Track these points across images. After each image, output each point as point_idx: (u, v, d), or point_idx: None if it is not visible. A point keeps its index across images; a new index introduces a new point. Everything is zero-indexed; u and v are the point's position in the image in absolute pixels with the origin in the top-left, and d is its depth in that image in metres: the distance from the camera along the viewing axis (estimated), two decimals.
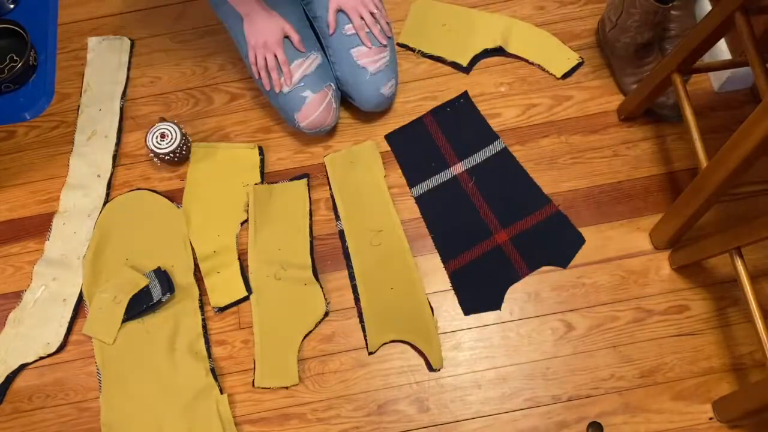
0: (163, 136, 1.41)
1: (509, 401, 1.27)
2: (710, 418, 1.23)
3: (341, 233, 1.40)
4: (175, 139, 1.42)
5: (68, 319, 1.38)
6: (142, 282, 1.37)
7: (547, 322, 1.32)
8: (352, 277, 1.36)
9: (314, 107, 1.37)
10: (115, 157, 1.53)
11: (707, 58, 1.36)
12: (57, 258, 1.44)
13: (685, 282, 1.33)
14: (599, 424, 1.24)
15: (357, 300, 1.35)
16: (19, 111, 1.61)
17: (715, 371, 1.27)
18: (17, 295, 1.42)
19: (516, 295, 1.34)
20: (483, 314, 1.34)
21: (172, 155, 1.44)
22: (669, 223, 1.29)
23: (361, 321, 1.33)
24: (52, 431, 1.32)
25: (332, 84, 1.41)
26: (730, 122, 1.44)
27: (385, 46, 1.40)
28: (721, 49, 1.43)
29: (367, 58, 1.39)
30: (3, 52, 1.66)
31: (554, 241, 1.36)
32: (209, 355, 1.33)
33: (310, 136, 1.47)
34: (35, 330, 1.38)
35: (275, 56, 1.35)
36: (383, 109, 1.48)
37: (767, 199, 1.36)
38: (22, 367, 1.36)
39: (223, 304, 1.37)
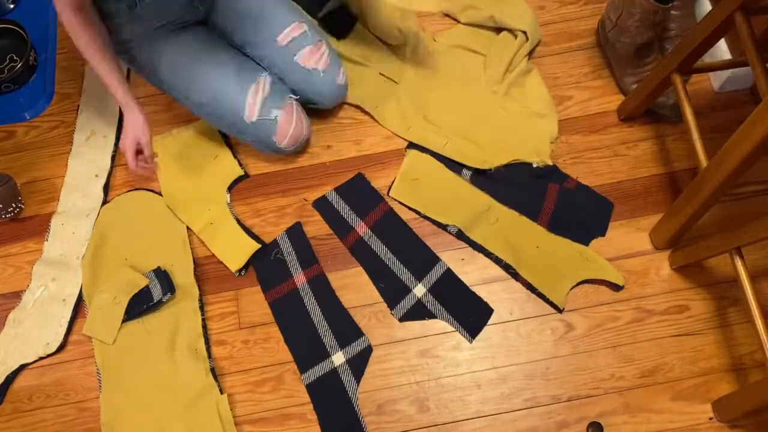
0: None
1: (509, 401, 1.27)
2: (710, 418, 1.23)
3: (459, 233, 1.38)
4: None
5: (68, 319, 1.38)
6: (142, 282, 1.37)
7: (547, 322, 1.32)
8: (498, 260, 1.36)
9: (287, 123, 1.37)
10: (113, 157, 1.53)
11: (707, 58, 1.36)
12: (56, 258, 1.44)
13: (685, 282, 1.33)
14: (599, 424, 1.24)
15: (516, 275, 1.35)
16: (19, 111, 1.61)
17: (715, 371, 1.27)
18: (17, 295, 1.42)
19: (516, 295, 1.34)
20: None
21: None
22: (669, 223, 1.29)
23: (534, 290, 1.33)
24: (52, 431, 1.32)
25: (291, 95, 1.40)
26: (730, 122, 1.44)
27: (320, 39, 1.42)
28: (721, 49, 1.43)
29: (313, 58, 1.40)
30: (3, 52, 1.66)
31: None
32: (209, 355, 1.33)
33: (288, 154, 1.46)
34: (35, 330, 1.38)
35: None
36: (343, 98, 1.49)
37: (767, 199, 1.36)
38: (22, 367, 1.36)
39: (241, 265, 1.38)
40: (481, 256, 1.38)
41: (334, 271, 1.39)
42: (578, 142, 1.46)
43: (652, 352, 1.28)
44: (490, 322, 1.33)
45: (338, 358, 1.31)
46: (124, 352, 1.34)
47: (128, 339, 1.35)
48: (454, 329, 1.33)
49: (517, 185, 1.40)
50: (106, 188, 1.50)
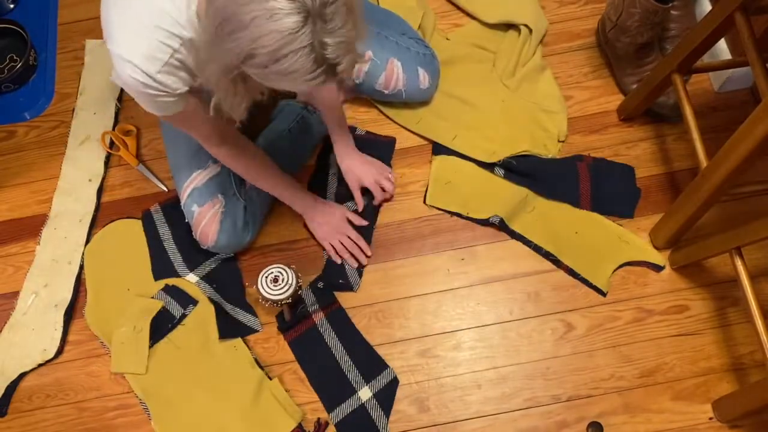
0: (275, 280, 1.26)
1: (509, 401, 1.27)
2: (710, 418, 1.23)
3: (502, 223, 1.38)
4: (290, 285, 1.26)
5: (62, 324, 1.37)
6: (156, 305, 1.34)
7: (547, 322, 1.32)
8: (538, 249, 1.36)
9: (200, 219, 1.31)
10: (107, 162, 1.52)
11: (707, 58, 1.36)
12: (48, 263, 1.43)
13: (685, 282, 1.33)
14: (599, 424, 1.24)
15: (558, 262, 1.35)
16: (19, 111, 1.61)
17: (715, 371, 1.27)
18: (17, 295, 1.42)
19: (516, 295, 1.34)
20: (483, 314, 1.34)
21: (277, 304, 1.28)
22: (669, 223, 1.29)
23: (576, 276, 1.34)
24: (52, 431, 1.32)
25: (221, 197, 1.32)
26: (730, 122, 1.44)
27: (389, 57, 1.40)
28: (721, 49, 1.43)
29: (390, 83, 1.41)
30: (3, 52, 1.66)
31: None
32: (248, 347, 1.32)
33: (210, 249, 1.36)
34: (31, 338, 1.37)
35: (348, 237, 1.37)
36: (433, 92, 1.48)
37: (767, 199, 1.36)
38: (22, 376, 1.35)
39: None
40: (481, 256, 1.38)
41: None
42: (578, 142, 1.46)
43: (652, 352, 1.28)
44: (490, 321, 1.33)
45: (365, 394, 1.28)
46: (163, 375, 1.31)
47: (162, 362, 1.32)
48: (454, 329, 1.33)
49: (549, 174, 1.40)
50: (100, 192, 1.49)
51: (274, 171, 1.29)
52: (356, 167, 1.36)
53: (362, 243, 1.37)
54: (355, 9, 0.83)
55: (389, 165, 1.45)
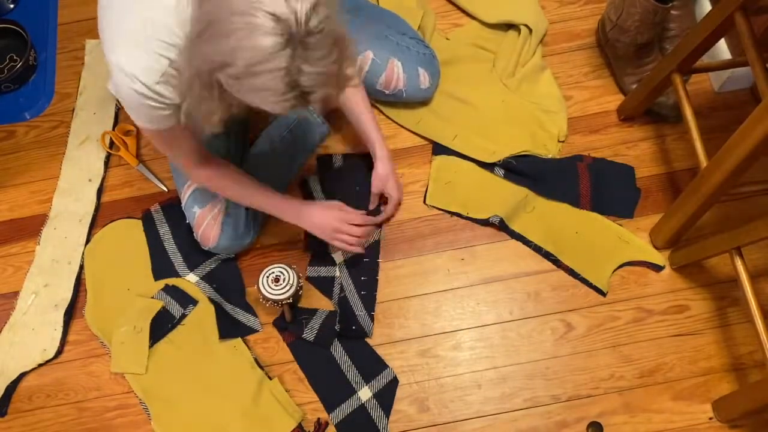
0: (276, 280, 1.25)
1: (509, 401, 1.27)
2: (710, 418, 1.23)
3: (502, 223, 1.37)
4: (291, 285, 1.25)
5: (62, 324, 1.36)
6: (156, 305, 1.34)
7: (547, 322, 1.32)
8: (538, 249, 1.36)
9: (202, 220, 1.32)
10: (107, 162, 1.52)
11: (707, 58, 1.35)
12: (48, 263, 1.42)
13: (685, 282, 1.33)
14: (599, 424, 1.24)
15: (558, 262, 1.35)
16: (19, 111, 1.61)
17: (715, 371, 1.27)
18: (17, 296, 1.42)
19: (516, 295, 1.34)
20: (483, 314, 1.34)
21: (278, 304, 1.28)
22: (669, 223, 1.29)
23: (576, 276, 1.34)
24: (52, 431, 1.32)
25: (222, 199, 1.32)
26: (730, 122, 1.44)
27: (390, 58, 1.39)
28: (721, 49, 1.43)
29: (391, 83, 1.41)
30: (3, 52, 1.66)
31: None
32: (248, 347, 1.32)
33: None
34: (31, 338, 1.36)
35: (351, 229, 1.28)
36: (433, 90, 1.47)
37: (767, 199, 1.36)
38: (22, 375, 1.35)
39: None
40: (481, 256, 1.38)
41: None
42: (578, 142, 1.46)
43: (652, 352, 1.28)
44: (490, 321, 1.33)
45: (365, 394, 1.28)
46: (163, 375, 1.31)
47: (162, 362, 1.32)
48: (454, 329, 1.33)
49: (549, 174, 1.40)
50: (100, 192, 1.49)
51: (257, 189, 1.26)
52: (390, 175, 1.35)
53: (364, 231, 1.30)
54: (345, 47, 0.85)
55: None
